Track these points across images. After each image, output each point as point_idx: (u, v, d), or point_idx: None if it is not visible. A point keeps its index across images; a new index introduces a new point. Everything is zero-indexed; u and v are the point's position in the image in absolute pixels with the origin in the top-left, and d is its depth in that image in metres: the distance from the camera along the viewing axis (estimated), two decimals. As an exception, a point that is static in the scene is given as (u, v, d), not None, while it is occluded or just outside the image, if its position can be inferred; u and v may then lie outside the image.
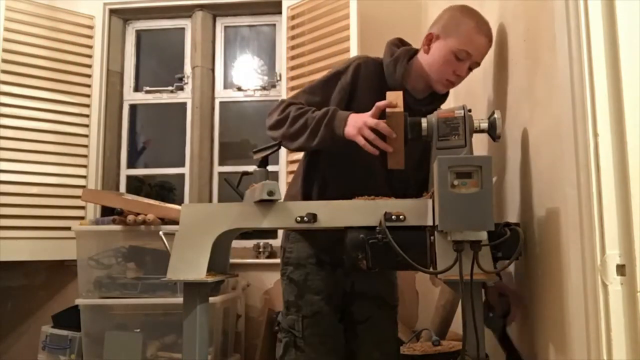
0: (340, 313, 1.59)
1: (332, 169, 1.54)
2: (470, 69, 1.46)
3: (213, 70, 3.29)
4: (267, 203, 1.21)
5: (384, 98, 1.32)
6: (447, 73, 1.45)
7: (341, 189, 1.33)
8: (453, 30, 1.42)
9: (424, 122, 1.31)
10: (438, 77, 1.46)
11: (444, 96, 1.57)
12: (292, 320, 1.56)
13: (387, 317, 1.65)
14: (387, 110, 1.29)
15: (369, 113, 1.31)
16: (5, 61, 2.78)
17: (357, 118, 1.33)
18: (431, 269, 1.14)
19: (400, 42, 1.58)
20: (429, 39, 1.47)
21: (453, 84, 1.48)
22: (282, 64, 3.04)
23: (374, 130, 1.28)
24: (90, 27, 3.11)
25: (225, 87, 3.32)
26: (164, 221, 2.46)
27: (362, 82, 1.49)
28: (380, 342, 1.62)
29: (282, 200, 1.22)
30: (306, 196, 1.55)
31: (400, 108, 1.29)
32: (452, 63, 1.42)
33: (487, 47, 1.45)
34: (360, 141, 1.29)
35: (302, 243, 1.58)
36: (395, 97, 1.31)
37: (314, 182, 1.56)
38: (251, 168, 1.54)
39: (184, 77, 3.28)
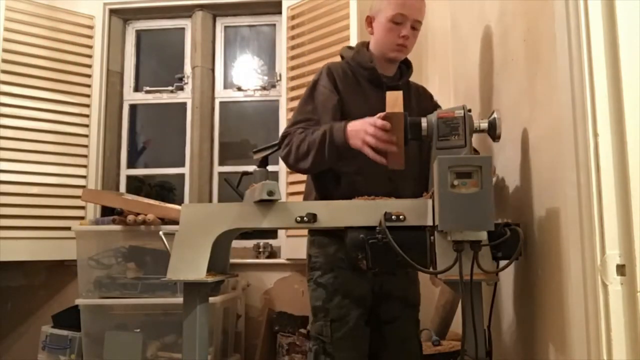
0: (367, 315, 1.56)
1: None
2: (414, 29, 1.58)
3: (213, 70, 3.29)
4: (267, 203, 1.21)
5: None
6: (394, 38, 1.57)
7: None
8: (382, 4, 1.58)
9: (423, 122, 1.31)
10: (389, 45, 1.59)
11: (409, 68, 1.70)
12: (319, 327, 1.52)
13: (411, 316, 1.64)
14: (387, 110, 1.29)
15: (368, 120, 1.34)
16: (5, 61, 2.77)
17: (356, 127, 1.38)
18: (431, 269, 1.14)
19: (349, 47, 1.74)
20: (369, 23, 1.64)
21: (405, 47, 1.59)
22: (282, 64, 3.04)
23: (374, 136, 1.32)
24: (90, 27, 3.11)
25: (225, 87, 3.32)
26: (164, 221, 2.45)
27: (340, 83, 1.58)
28: (405, 341, 1.60)
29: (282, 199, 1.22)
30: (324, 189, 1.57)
31: (400, 108, 1.29)
32: (394, 29, 1.56)
33: (419, 3, 1.58)
34: (369, 153, 1.33)
35: (329, 247, 1.55)
36: (395, 97, 1.31)
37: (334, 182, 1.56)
38: (251, 168, 1.55)
39: (184, 77, 3.28)
